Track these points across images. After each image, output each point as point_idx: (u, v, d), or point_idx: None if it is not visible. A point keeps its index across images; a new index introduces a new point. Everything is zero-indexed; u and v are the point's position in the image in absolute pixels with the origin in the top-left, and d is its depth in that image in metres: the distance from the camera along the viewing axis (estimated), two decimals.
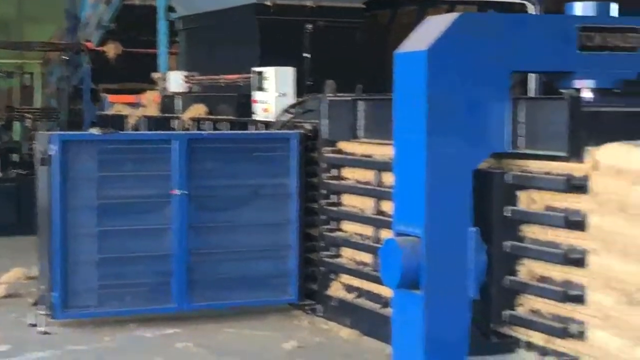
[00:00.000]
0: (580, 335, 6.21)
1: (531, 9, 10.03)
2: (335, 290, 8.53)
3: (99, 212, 8.17)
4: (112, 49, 14.09)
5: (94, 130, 9.15)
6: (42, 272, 8.60)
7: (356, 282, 8.30)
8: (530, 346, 6.62)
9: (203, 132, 10.08)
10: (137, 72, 13.39)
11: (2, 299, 9.15)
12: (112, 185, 8.22)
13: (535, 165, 6.60)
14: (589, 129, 6.25)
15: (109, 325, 8.19)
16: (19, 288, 9.32)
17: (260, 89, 9.67)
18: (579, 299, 6.23)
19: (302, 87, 9.75)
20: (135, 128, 11.53)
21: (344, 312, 8.31)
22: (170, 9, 12.81)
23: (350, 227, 8.53)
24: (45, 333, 7.97)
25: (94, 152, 8.19)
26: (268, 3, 10.28)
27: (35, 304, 8.36)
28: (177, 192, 8.30)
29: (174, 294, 8.33)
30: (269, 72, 9.58)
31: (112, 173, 8.23)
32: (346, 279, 8.44)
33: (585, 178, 6.16)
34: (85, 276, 8.12)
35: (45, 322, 8.11)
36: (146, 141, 8.98)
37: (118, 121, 11.91)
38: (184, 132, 10.01)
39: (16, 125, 15.42)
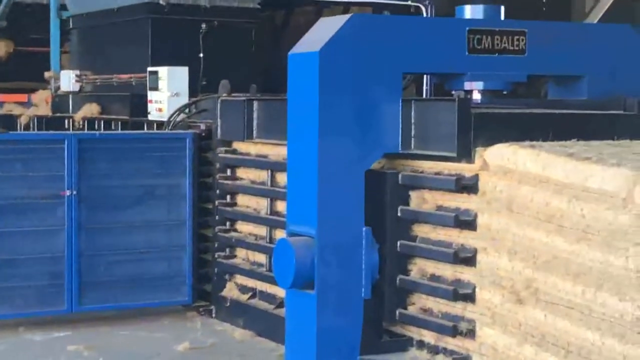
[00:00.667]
0: (470, 334, 6.30)
1: (424, 12, 10.11)
2: (229, 291, 8.48)
3: None
4: (2, 47, 13.90)
5: None
6: None
7: (250, 282, 8.27)
8: (421, 345, 6.66)
9: (95, 132, 9.95)
10: (28, 71, 13.23)
11: None
12: (2, 186, 8.04)
13: (426, 166, 6.65)
14: (478, 130, 6.29)
15: None
16: None
17: (154, 88, 9.60)
18: (469, 298, 6.32)
19: (196, 87, 9.74)
20: (27, 128, 11.35)
21: (238, 313, 8.26)
22: (62, 7, 12.64)
23: (244, 228, 8.50)
24: None
25: None
26: (162, 2, 10.22)
27: None
28: (67, 192, 8.16)
29: (65, 296, 8.18)
30: (162, 71, 9.50)
31: (1, 173, 8.05)
32: (240, 279, 8.41)
33: (474, 178, 6.25)
34: None
35: None
36: (36, 141, 8.82)
37: (9, 121, 11.71)
38: (75, 132, 9.80)
39: None
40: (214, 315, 8.56)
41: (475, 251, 6.27)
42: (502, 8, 7.18)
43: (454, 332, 6.35)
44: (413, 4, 10.18)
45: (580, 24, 9.04)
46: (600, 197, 5.40)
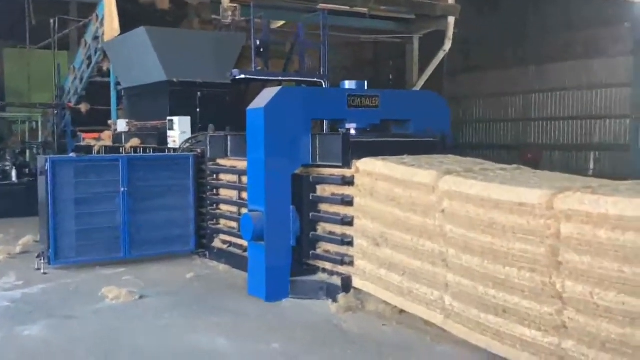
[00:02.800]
0: (350, 263, 6.23)
1: (324, 84, 10.04)
2: (216, 243, 8.27)
3: (75, 203, 7.71)
4: (84, 107, 13.53)
5: (71, 155, 8.85)
6: (42, 237, 8.17)
7: (228, 238, 8.09)
8: (324, 270, 6.54)
9: (137, 154, 9.56)
10: (99, 120, 12.82)
11: (19, 255, 8.57)
12: (83, 187, 7.77)
13: (325, 171, 6.51)
14: (353, 150, 6.21)
15: (83, 268, 7.76)
16: (29, 247, 8.72)
17: (171, 129, 9.33)
18: (350, 243, 6.24)
19: (195, 128, 9.42)
20: (98, 153, 11.06)
21: (221, 256, 8.05)
22: (118, 83, 12.27)
23: (224, 207, 8.27)
24: (45, 273, 7.54)
25: (71, 167, 7.72)
26: (175, 80, 9.97)
27: (38, 256, 7.86)
28: (122, 189, 7.92)
29: (121, 248, 7.97)
30: (175, 119, 9.27)
31: (82, 179, 7.77)
32: (222, 236, 8.21)
33: (352, 177, 6.17)
34: (67, 239, 7.66)
35: (45, 267, 7.67)
36: (104, 160, 8.60)
37: (88, 149, 11.38)
38: (126, 155, 9.47)
39: (27, 152, 14.63)
40: (207, 257, 8.35)
41: (353, 218, 6.20)
42: (366, 82, 7.10)
43: (342, 262, 6.31)
44: (318, 80, 10.07)
45: (409, 91, 8.96)
46: (420, 187, 5.36)
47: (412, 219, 5.47)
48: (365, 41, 18.75)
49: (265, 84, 10.29)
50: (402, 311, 5.68)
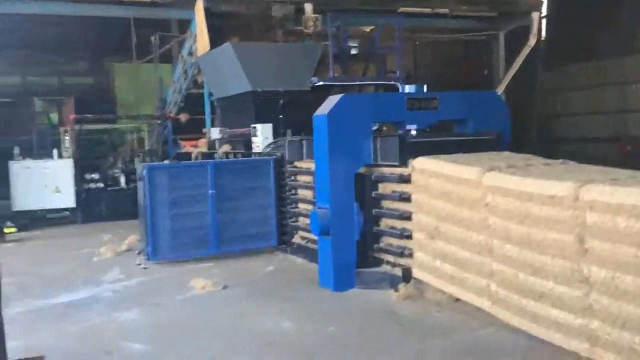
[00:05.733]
0: (410, 255, 6.63)
1: (400, 87, 10.28)
2: (296, 239, 8.72)
3: (169, 204, 8.38)
4: (183, 117, 14.35)
5: (166, 162, 9.74)
6: (142, 236, 8.87)
7: (305, 234, 8.48)
8: (388, 262, 6.95)
9: (224, 159, 10.07)
10: (196, 129, 13.46)
11: (125, 252, 9.44)
12: (176, 190, 8.39)
13: (385, 170, 6.92)
14: (410, 150, 6.61)
15: (177, 263, 8.45)
16: (134, 246, 9.55)
17: (255, 135, 9.85)
18: (409, 237, 6.63)
19: (277, 134, 9.82)
20: (196, 158, 11.76)
21: (300, 251, 8.48)
22: (210, 94, 12.90)
23: (302, 206, 8.68)
24: (145, 268, 8.32)
25: (165, 173, 8.42)
26: (258, 90, 10.43)
27: (139, 253, 8.70)
28: (210, 192, 8.53)
29: (210, 245, 8.56)
30: (259, 126, 9.77)
31: (175, 184, 8.40)
32: (301, 233, 8.61)
33: (409, 175, 6.57)
34: (163, 237, 8.35)
35: (144, 262, 8.49)
36: (192, 166, 9.27)
37: (187, 155, 11.99)
38: (213, 159, 10.01)
39: (136, 159, 15.72)
40: (288, 252, 8.79)
41: (410, 213, 6.60)
42: (425, 85, 7.47)
43: (402, 255, 6.74)
44: (394, 83, 10.33)
45: (468, 92, 8.87)
46: (467, 182, 5.75)
47: (461, 213, 5.90)
48: (455, 40, 18.91)
49: (346, 89, 10.78)
50: (457, 299, 6.10)
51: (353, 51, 12.57)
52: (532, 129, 19.36)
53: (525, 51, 15.08)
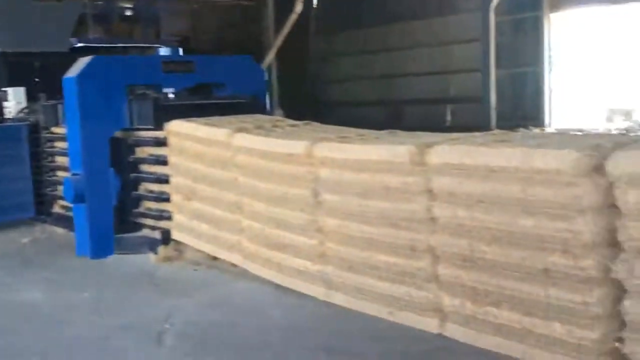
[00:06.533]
0: (169, 218, 6.72)
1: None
2: (56, 209, 8.46)
3: None
4: None
5: None
6: None
7: (66, 203, 7.73)
8: (147, 226, 7.02)
9: None
10: None
11: None
12: None
13: (142, 134, 6.93)
14: (166, 113, 6.63)
15: None
16: None
17: (5, 100, 9.25)
18: (167, 200, 6.72)
19: (32, 98, 9.08)
20: None
21: (60, 220, 8.23)
22: None
23: (61, 174, 8.09)
24: None
25: None
26: (9, 51, 9.81)
27: None
28: None
29: None
30: (10, 90, 9.20)
31: None
32: (61, 202, 8.19)
33: (165, 138, 6.61)
34: None
35: None
36: None
37: None
38: None
39: None
40: (47, 222, 8.50)
41: (168, 176, 6.67)
42: (181, 49, 7.53)
43: (161, 218, 6.84)
44: (159, 46, 10.14)
45: (225, 56, 8.91)
46: (218, 143, 5.92)
47: (214, 174, 6.13)
48: (232, 5, 19.06)
49: (111, 52, 10.47)
50: (215, 258, 6.36)
51: (127, 12, 12.20)
52: (308, 94, 20.27)
53: (293, 18, 15.64)
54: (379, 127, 5.92)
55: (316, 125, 6.40)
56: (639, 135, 4.95)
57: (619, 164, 3.33)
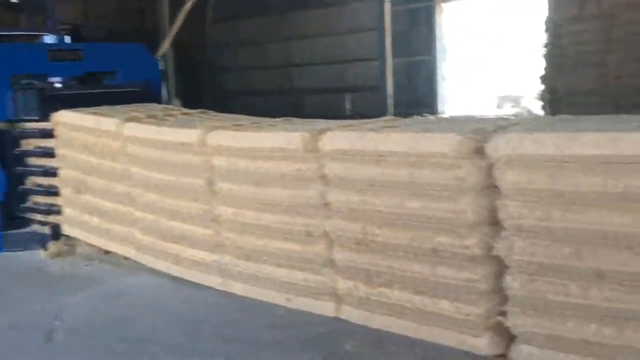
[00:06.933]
0: (59, 212, 6.54)
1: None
2: None
3: None
4: None
5: None
6: None
7: None
8: (36, 221, 6.78)
9: None
10: None
11: None
12: None
13: (28, 125, 6.66)
14: (52, 103, 6.40)
15: None
16: None
17: None
18: (56, 193, 6.52)
19: None
20: None
21: None
22: None
23: None
24: None
25: None
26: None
27: None
28: None
29: None
30: None
31: None
32: None
33: (52, 129, 6.36)
34: None
35: None
36: None
37: None
38: None
39: None
40: None
41: (56, 169, 6.48)
42: (69, 37, 7.30)
43: (50, 212, 6.61)
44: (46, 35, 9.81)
45: (115, 44, 8.56)
46: (108, 134, 5.76)
47: (104, 165, 5.97)
48: None
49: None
50: (107, 251, 6.20)
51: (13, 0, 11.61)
52: (206, 84, 20.00)
53: (187, 6, 15.35)
54: (280, 116, 5.91)
55: (211, 113, 6.33)
56: (519, 119, 5.20)
57: (499, 147, 3.49)
